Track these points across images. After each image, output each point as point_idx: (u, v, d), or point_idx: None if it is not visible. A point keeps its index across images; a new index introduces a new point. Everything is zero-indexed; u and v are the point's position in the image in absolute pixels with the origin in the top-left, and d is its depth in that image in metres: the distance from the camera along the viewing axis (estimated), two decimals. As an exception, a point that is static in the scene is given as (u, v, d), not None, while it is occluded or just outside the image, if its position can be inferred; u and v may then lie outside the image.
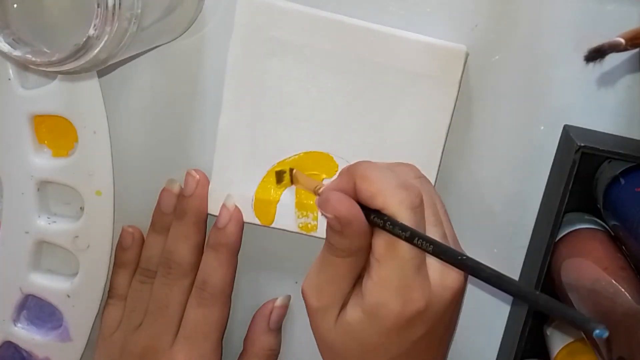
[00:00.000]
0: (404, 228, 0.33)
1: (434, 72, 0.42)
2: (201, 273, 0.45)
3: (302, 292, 0.38)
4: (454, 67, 0.41)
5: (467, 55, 0.42)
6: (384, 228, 0.34)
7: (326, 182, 0.43)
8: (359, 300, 0.36)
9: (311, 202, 0.44)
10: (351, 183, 0.36)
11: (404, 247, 0.34)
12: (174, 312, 0.45)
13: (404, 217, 0.34)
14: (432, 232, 0.36)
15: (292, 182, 0.44)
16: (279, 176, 0.44)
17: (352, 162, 0.43)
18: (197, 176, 0.45)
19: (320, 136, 0.44)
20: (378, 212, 0.35)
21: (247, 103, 0.43)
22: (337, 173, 0.44)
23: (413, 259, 0.34)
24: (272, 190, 0.44)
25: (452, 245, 0.37)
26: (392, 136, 0.43)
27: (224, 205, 0.44)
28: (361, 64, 0.42)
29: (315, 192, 0.40)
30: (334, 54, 0.42)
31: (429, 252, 0.33)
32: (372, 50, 0.42)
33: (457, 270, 0.35)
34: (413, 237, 0.33)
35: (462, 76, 0.42)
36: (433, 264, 0.35)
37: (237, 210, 0.44)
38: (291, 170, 0.44)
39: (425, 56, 0.41)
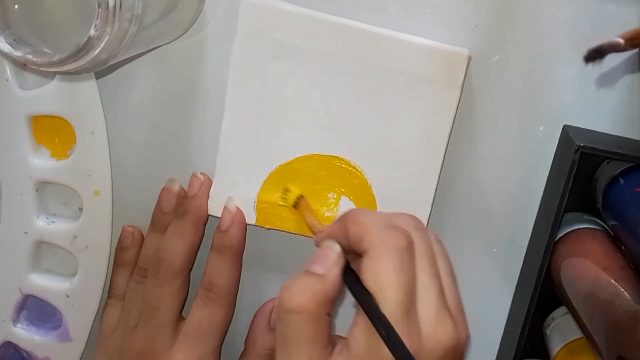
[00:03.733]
0: (378, 317, 0.32)
1: (436, 76, 0.42)
2: (207, 275, 0.45)
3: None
4: (457, 71, 0.41)
5: (469, 59, 0.42)
6: (363, 308, 0.32)
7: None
8: (344, 350, 0.33)
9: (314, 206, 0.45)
10: (344, 228, 0.35)
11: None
12: (164, 315, 0.45)
13: (389, 258, 0.32)
14: (427, 285, 0.34)
15: (294, 206, 0.44)
16: (285, 193, 0.44)
17: (355, 162, 0.44)
18: (202, 178, 0.45)
19: (323, 139, 0.44)
20: (359, 287, 0.33)
21: (250, 105, 0.43)
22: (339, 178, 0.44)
23: (402, 301, 0.32)
24: (274, 192, 0.45)
25: (450, 305, 0.34)
26: (394, 139, 0.43)
27: (225, 208, 0.44)
28: (364, 67, 0.42)
29: (312, 231, 0.41)
30: (336, 57, 0.42)
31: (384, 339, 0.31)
32: (374, 53, 0.42)
33: (452, 323, 0.33)
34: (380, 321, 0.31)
35: (464, 80, 0.42)
36: (425, 312, 0.33)
37: (239, 212, 0.44)
38: (301, 196, 0.44)
39: (428, 60, 0.41)
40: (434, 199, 0.44)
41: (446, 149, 0.43)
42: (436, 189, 0.43)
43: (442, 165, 0.43)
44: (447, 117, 0.42)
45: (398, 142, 0.43)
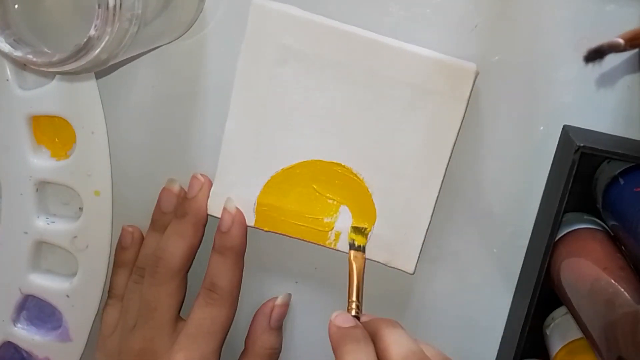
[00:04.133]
0: None
1: (442, 89, 0.42)
2: (209, 276, 0.45)
3: None
4: (463, 85, 0.41)
5: (477, 74, 0.42)
6: None
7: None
8: None
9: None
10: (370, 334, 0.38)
11: None
12: (162, 315, 0.45)
13: None
14: None
15: (353, 247, 0.44)
16: (361, 231, 0.45)
17: (356, 170, 0.44)
18: (202, 179, 0.45)
19: (325, 145, 0.44)
20: None
21: (255, 108, 0.43)
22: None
23: None
24: (275, 195, 0.45)
25: None
26: (397, 149, 0.43)
27: (225, 209, 0.44)
28: (370, 77, 0.42)
29: (349, 301, 0.41)
30: (343, 65, 0.42)
31: None
32: (382, 63, 0.42)
33: None
34: None
35: (470, 95, 0.42)
36: None
37: (239, 213, 0.44)
38: (363, 249, 0.44)
39: (435, 72, 0.41)
40: (433, 211, 0.44)
41: (449, 161, 0.43)
42: (437, 200, 0.44)
43: (444, 177, 0.43)
44: (451, 131, 0.42)
45: (401, 153, 0.43)
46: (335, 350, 0.37)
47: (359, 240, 0.44)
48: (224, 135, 0.44)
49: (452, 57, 0.42)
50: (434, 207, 0.44)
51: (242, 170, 0.44)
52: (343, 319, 0.39)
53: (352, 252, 0.44)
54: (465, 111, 0.42)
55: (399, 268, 0.45)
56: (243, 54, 0.42)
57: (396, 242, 0.44)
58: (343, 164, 0.44)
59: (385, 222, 0.44)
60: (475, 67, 0.42)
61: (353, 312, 0.41)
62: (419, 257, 0.45)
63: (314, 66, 0.42)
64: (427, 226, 0.44)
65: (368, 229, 0.44)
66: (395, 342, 0.37)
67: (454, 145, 0.43)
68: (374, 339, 0.37)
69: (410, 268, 0.45)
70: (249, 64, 0.43)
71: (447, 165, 0.43)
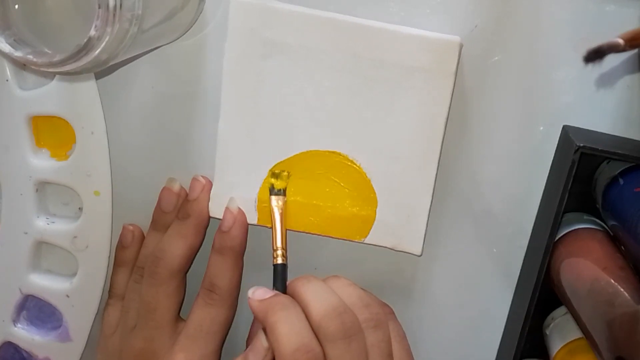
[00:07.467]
0: None
1: (429, 65, 0.41)
2: (208, 276, 0.45)
3: None
4: (449, 59, 0.41)
5: (461, 46, 0.42)
6: None
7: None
8: None
9: (314, 202, 0.45)
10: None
11: None
12: (162, 316, 0.45)
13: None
14: None
15: (273, 192, 0.44)
16: (277, 175, 0.44)
17: (352, 156, 0.44)
18: (204, 181, 0.45)
19: (319, 135, 0.44)
20: None
21: (245, 106, 0.43)
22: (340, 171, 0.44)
23: None
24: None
25: None
26: (391, 131, 0.43)
27: (227, 209, 0.44)
28: (356, 61, 0.42)
29: (274, 249, 0.42)
30: (328, 53, 0.42)
31: None
32: (366, 46, 0.42)
33: None
34: None
35: (457, 67, 0.42)
36: None
37: (241, 213, 0.44)
38: (284, 192, 0.44)
39: (420, 49, 0.41)
40: (433, 190, 0.44)
41: (443, 138, 0.43)
42: (435, 179, 0.43)
43: (440, 154, 0.43)
44: (442, 106, 0.42)
45: (395, 134, 0.43)
46: (264, 322, 0.38)
47: (278, 185, 0.44)
48: (218, 136, 0.44)
49: (435, 32, 0.42)
50: (434, 186, 0.43)
51: (240, 169, 0.44)
52: (262, 292, 0.39)
53: (273, 197, 0.44)
54: (454, 85, 0.42)
55: (406, 251, 0.45)
56: (227, 52, 0.43)
57: (400, 225, 0.44)
58: (339, 151, 0.44)
59: (387, 206, 0.44)
60: (459, 40, 0.41)
61: (280, 260, 0.41)
62: (424, 238, 0.44)
63: (299, 57, 0.42)
64: (429, 206, 0.44)
65: (285, 172, 0.44)
66: (314, 298, 0.37)
67: (447, 121, 0.43)
68: (295, 300, 0.38)
69: (417, 250, 0.44)
70: (234, 62, 0.43)
71: (442, 143, 0.43)
